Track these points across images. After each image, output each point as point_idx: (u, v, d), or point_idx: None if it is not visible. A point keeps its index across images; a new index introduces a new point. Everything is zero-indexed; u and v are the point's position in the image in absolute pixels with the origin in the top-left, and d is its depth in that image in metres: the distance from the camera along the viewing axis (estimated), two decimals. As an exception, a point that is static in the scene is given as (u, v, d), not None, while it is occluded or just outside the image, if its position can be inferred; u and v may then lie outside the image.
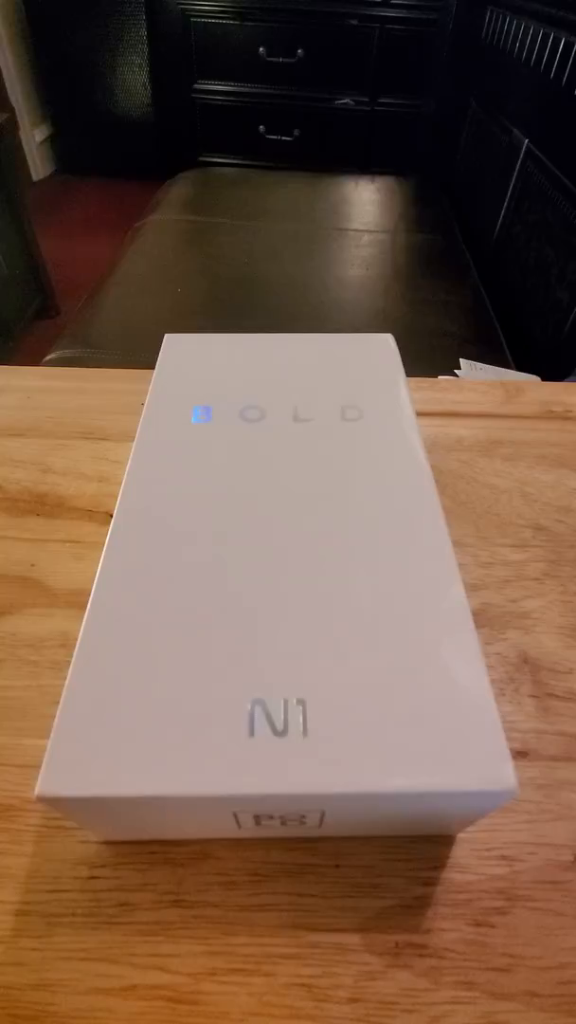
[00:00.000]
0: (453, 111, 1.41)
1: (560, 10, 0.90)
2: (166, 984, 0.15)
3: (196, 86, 2.03)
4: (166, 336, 0.27)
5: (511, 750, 0.14)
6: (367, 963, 0.16)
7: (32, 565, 0.25)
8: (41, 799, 0.13)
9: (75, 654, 0.16)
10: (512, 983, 0.16)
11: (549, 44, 0.91)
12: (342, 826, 0.17)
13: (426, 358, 0.81)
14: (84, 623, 0.16)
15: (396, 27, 1.82)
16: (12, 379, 0.35)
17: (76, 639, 0.16)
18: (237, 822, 0.16)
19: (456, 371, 0.79)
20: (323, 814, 0.15)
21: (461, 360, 0.81)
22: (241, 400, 0.24)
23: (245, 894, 0.17)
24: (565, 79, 0.85)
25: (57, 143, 2.36)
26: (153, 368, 0.26)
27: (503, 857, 0.18)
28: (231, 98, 2.03)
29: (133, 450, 0.21)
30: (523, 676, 0.22)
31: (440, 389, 0.35)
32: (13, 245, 1.41)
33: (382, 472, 0.21)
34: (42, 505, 0.28)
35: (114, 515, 0.19)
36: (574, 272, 0.80)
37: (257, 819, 0.15)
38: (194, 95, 2.04)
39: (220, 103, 2.04)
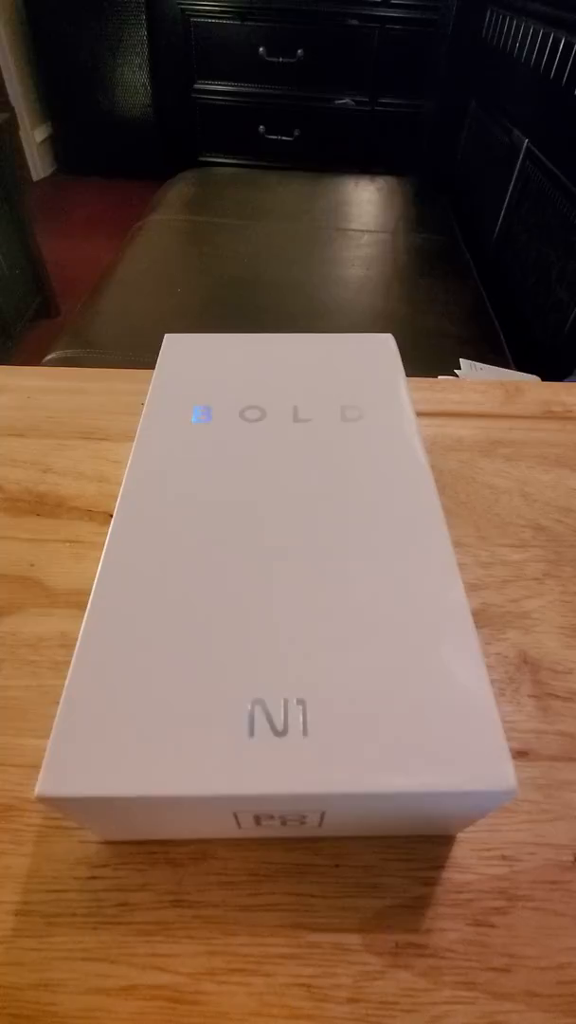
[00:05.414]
0: (453, 111, 1.41)
1: (560, 10, 0.90)
2: (166, 984, 0.15)
3: (196, 86, 2.03)
4: (166, 336, 0.27)
5: (511, 750, 0.14)
6: (367, 963, 0.16)
7: (32, 565, 0.25)
8: (41, 799, 0.13)
9: (75, 654, 0.16)
10: (512, 983, 0.16)
11: (549, 44, 0.91)
12: (342, 826, 0.17)
13: (426, 358, 0.81)
14: (84, 623, 0.16)
15: (396, 27, 1.82)
16: (12, 379, 0.35)
17: (76, 639, 0.16)
18: (237, 822, 0.16)
19: (456, 371, 0.79)
20: (323, 814, 0.15)
21: (461, 360, 0.81)
22: (241, 400, 0.24)
23: (245, 894, 0.17)
24: (565, 79, 0.85)
25: (57, 143, 2.37)
26: (153, 368, 0.26)
27: (503, 857, 0.18)
28: (231, 98, 2.03)
29: (133, 450, 0.21)
30: (523, 676, 0.22)
31: (440, 389, 0.35)
32: (13, 245, 1.41)
33: (382, 472, 0.21)
34: (42, 505, 0.28)
35: (114, 515, 0.19)
36: (574, 272, 0.80)
37: (257, 819, 0.15)
38: (194, 95, 2.04)
39: (220, 103, 2.05)
